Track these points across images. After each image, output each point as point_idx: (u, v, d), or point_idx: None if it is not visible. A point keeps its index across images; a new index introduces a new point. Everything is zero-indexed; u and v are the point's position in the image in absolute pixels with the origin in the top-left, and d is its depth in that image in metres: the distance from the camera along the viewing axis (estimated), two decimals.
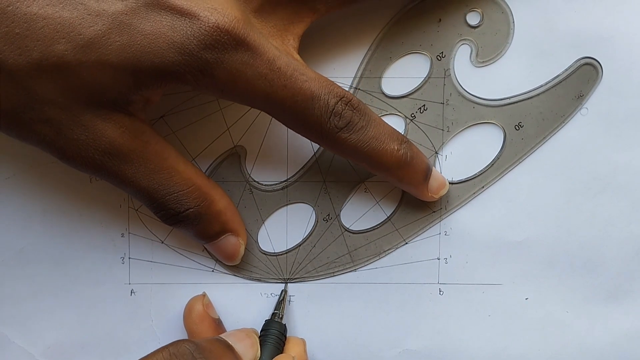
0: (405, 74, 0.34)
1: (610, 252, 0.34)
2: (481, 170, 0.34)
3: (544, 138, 0.34)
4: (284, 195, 0.35)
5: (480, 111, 0.34)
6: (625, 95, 0.34)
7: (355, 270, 0.35)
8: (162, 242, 0.35)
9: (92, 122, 0.28)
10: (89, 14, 0.27)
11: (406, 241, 0.35)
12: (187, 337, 0.34)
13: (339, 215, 0.35)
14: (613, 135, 0.34)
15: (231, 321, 0.35)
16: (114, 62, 0.27)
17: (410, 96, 0.34)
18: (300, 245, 0.35)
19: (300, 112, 0.29)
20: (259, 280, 0.35)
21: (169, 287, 0.35)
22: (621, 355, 0.35)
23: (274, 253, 0.35)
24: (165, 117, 0.34)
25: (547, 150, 0.34)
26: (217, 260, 0.35)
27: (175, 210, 0.31)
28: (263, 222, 0.35)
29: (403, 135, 0.32)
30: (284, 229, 0.35)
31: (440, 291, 0.35)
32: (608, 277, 0.35)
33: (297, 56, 0.31)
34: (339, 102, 0.29)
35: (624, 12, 0.33)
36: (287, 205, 0.35)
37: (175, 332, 0.35)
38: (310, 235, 0.35)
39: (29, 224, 0.34)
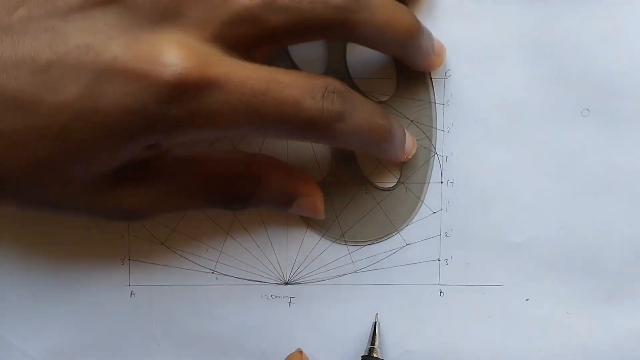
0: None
1: (612, 253, 0.34)
2: (482, 171, 0.34)
3: (546, 140, 0.34)
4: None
5: (481, 112, 0.34)
6: (627, 96, 0.34)
7: (356, 271, 0.35)
8: (162, 244, 0.35)
9: (101, 201, 0.29)
10: (50, 110, 0.26)
11: (406, 242, 0.35)
12: (187, 340, 0.35)
13: (338, 217, 0.35)
14: (614, 136, 0.34)
15: (230, 324, 0.35)
16: (86, 146, 0.27)
17: None
18: (300, 247, 0.35)
19: (291, 119, 0.28)
20: (259, 282, 0.35)
21: (169, 289, 0.35)
22: (622, 356, 0.35)
23: (275, 255, 0.35)
24: None
25: (548, 151, 0.34)
26: (217, 262, 0.35)
27: (236, 203, 0.32)
28: (264, 226, 0.35)
29: (379, 105, 0.31)
30: (284, 235, 0.35)
31: (440, 292, 0.35)
32: (609, 278, 0.35)
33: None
34: (326, 95, 0.28)
35: (625, 12, 0.33)
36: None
37: (175, 334, 0.35)
38: (309, 238, 0.35)
39: (29, 227, 0.34)
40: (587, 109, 0.34)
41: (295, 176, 0.33)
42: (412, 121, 0.34)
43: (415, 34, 0.30)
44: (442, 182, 0.35)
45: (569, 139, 0.34)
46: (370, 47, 0.30)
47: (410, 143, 0.34)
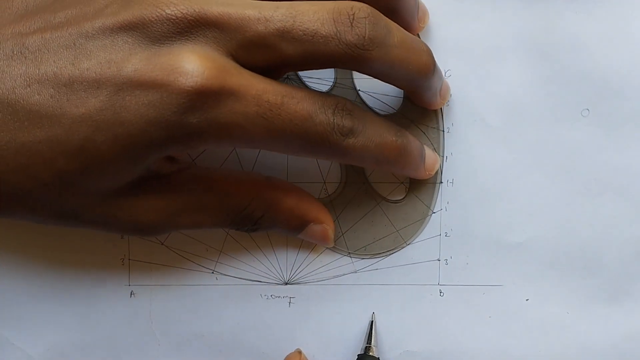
0: None
1: (611, 254, 0.34)
2: (482, 171, 0.34)
3: (545, 140, 0.34)
4: None
5: (481, 112, 0.34)
6: (626, 96, 0.34)
7: (356, 271, 0.35)
8: (162, 244, 0.35)
9: (118, 214, 0.30)
10: (72, 122, 0.27)
11: (407, 242, 0.35)
12: (187, 340, 0.35)
13: (338, 217, 0.35)
14: (614, 136, 0.34)
15: (230, 324, 0.35)
16: (107, 158, 0.27)
17: None
18: (300, 247, 0.35)
19: (303, 133, 0.28)
20: (259, 281, 0.35)
21: (169, 289, 0.35)
22: (622, 356, 0.35)
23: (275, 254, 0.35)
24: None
25: (548, 151, 0.34)
26: (217, 262, 0.35)
27: (247, 225, 0.32)
28: None
29: (394, 123, 0.32)
30: (284, 235, 0.35)
31: (440, 292, 0.35)
32: (609, 278, 0.35)
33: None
34: (336, 111, 0.29)
35: (624, 12, 0.33)
36: None
37: (175, 334, 0.35)
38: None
39: (29, 225, 0.34)
40: (587, 109, 0.34)
41: (308, 202, 0.33)
42: (412, 121, 0.34)
43: (427, 76, 0.31)
44: (442, 182, 0.35)
45: (569, 139, 0.34)
46: (381, 80, 0.30)
47: (431, 160, 0.34)
